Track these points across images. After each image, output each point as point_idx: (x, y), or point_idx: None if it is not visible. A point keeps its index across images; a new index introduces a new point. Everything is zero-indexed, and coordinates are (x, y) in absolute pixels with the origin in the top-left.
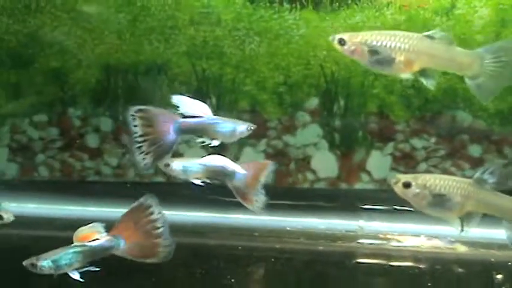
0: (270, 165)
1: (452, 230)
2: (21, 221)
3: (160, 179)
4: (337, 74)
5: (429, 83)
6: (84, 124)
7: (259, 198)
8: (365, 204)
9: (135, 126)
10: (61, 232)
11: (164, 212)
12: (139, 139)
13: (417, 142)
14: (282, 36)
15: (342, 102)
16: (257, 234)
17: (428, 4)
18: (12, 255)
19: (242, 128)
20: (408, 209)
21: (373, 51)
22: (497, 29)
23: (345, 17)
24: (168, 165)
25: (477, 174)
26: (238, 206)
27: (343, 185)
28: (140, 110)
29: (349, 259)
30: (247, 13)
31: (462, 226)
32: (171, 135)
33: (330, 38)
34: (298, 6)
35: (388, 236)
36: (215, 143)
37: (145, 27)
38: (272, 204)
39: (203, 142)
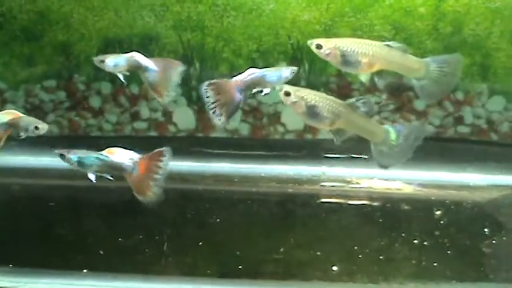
0: (180, 65)
1: (401, 173)
2: (35, 172)
3: (153, 133)
4: (302, 42)
5: (379, 83)
6: (87, 88)
7: (170, 93)
8: (327, 153)
9: (208, 96)
10: (68, 181)
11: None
12: (213, 105)
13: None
14: (255, 11)
15: (306, 66)
16: (236, 180)
17: None
18: (28, 202)
19: (286, 72)
20: (363, 156)
21: (344, 55)
22: (436, 3)
23: None
24: (103, 61)
25: (351, 100)
26: (220, 156)
27: (309, 136)
28: (210, 84)
29: (314, 199)
30: None
31: (334, 139)
32: (236, 96)
33: (308, 42)
34: None
35: (347, 179)
36: (267, 90)
37: (138, 5)
38: (248, 154)
39: (260, 91)
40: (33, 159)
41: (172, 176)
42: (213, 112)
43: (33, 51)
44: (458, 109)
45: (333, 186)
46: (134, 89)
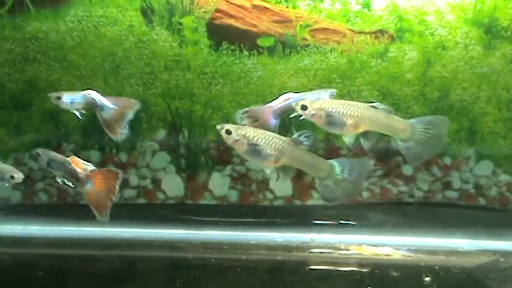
0: (135, 104)
1: (390, 239)
2: (24, 241)
3: (142, 200)
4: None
5: (366, 144)
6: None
7: (123, 131)
8: (316, 219)
9: (244, 124)
10: (57, 250)
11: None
12: None
13: None
14: (243, 78)
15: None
16: (226, 248)
17: (365, 49)
18: (20, 271)
19: (325, 95)
20: (351, 223)
21: (329, 116)
22: (423, 68)
23: (295, 61)
24: (59, 98)
25: (294, 135)
26: (209, 224)
27: (297, 202)
28: (245, 111)
29: (303, 266)
30: (212, 59)
31: (278, 176)
32: (272, 121)
33: (293, 104)
34: (256, 52)
35: (336, 246)
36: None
37: (126, 73)
38: (237, 221)
39: (299, 116)
40: (21, 228)
41: (162, 244)
42: None
43: (22, 119)
44: (446, 174)
45: (322, 252)
46: (123, 157)
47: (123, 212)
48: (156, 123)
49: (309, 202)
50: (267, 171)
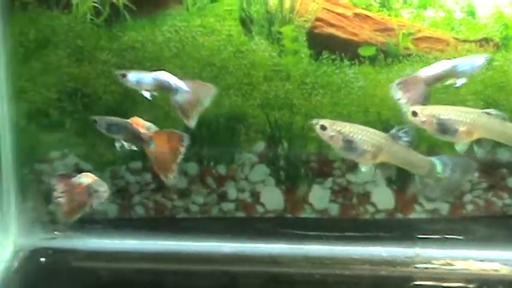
0: (212, 89)
1: (498, 254)
2: (121, 255)
3: (240, 214)
4: (392, 120)
5: (480, 152)
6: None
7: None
8: (420, 234)
9: (399, 98)
10: (154, 264)
11: None
12: (404, 104)
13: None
14: (343, 88)
15: None
16: (328, 262)
17: None
18: (118, 286)
19: (479, 60)
20: (457, 237)
21: (440, 123)
22: None
23: (397, 70)
24: (124, 75)
25: (393, 131)
26: (310, 238)
27: (400, 216)
28: (398, 83)
29: (408, 282)
30: (312, 69)
31: (375, 173)
32: (426, 90)
33: (404, 109)
34: (357, 62)
35: (441, 261)
36: (461, 81)
37: (224, 84)
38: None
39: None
40: (118, 242)
41: (262, 259)
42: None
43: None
44: None
45: (427, 268)
46: (221, 170)
47: (221, 226)
48: (255, 135)
49: (412, 215)
50: (363, 169)
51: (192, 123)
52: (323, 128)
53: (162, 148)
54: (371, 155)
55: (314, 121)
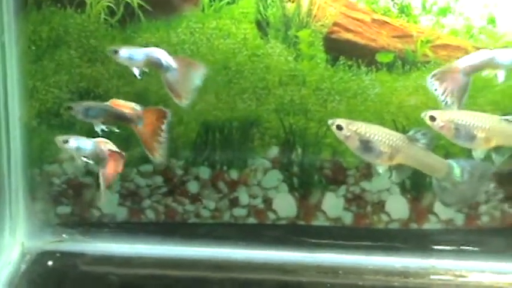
0: (202, 67)
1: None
2: (132, 260)
3: (252, 220)
4: (408, 127)
5: (497, 160)
6: (185, 172)
7: (188, 96)
8: (435, 244)
9: (435, 89)
10: (164, 270)
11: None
12: (443, 96)
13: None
14: (360, 95)
15: None
16: (341, 272)
17: None
18: None
19: None
20: (473, 248)
21: (458, 128)
22: None
23: (415, 78)
24: (116, 51)
25: (410, 132)
26: (323, 247)
27: (414, 226)
28: (434, 75)
29: None
30: (329, 75)
31: (391, 175)
32: (463, 80)
33: (422, 114)
34: (374, 68)
35: (457, 273)
36: (501, 74)
37: (239, 87)
38: (352, 244)
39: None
40: (128, 246)
41: (273, 267)
42: (445, 103)
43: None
44: None
45: (443, 279)
46: (233, 174)
47: (233, 232)
48: (269, 140)
49: (426, 226)
50: (380, 170)
51: (183, 101)
52: (339, 127)
53: (151, 126)
54: (388, 157)
55: (330, 121)
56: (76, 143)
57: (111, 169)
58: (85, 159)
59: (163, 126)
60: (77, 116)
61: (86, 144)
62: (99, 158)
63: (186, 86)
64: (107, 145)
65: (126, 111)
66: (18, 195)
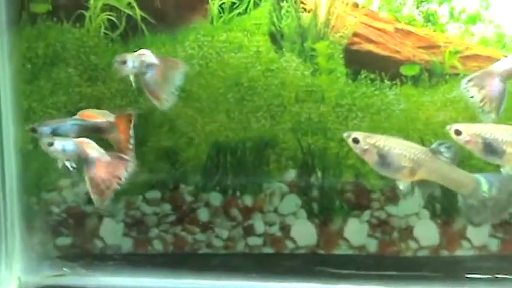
0: (181, 64)
1: None
2: None
3: (268, 250)
4: None
5: None
6: (195, 199)
7: (169, 98)
8: (468, 273)
9: (472, 96)
10: None
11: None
12: (481, 103)
13: None
14: (383, 111)
15: None
16: None
17: None
18: None
19: None
20: (509, 277)
21: (486, 143)
22: None
23: (443, 92)
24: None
25: (433, 145)
26: (345, 277)
27: (445, 253)
28: (469, 80)
29: None
30: (349, 90)
31: (412, 191)
32: (501, 86)
33: (447, 127)
34: (398, 82)
35: None
36: None
37: (252, 105)
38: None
39: None
40: (132, 280)
41: None
42: (482, 111)
43: (135, 158)
44: None
45: None
46: (247, 201)
47: (247, 263)
48: (286, 162)
49: (458, 252)
50: (401, 187)
51: (164, 104)
52: (355, 140)
53: (124, 132)
54: (409, 171)
55: (346, 134)
56: (61, 145)
57: (100, 172)
58: (67, 163)
59: (131, 132)
60: (43, 137)
61: (68, 144)
62: (81, 159)
63: (164, 86)
64: (89, 145)
65: (99, 121)
66: (14, 226)
